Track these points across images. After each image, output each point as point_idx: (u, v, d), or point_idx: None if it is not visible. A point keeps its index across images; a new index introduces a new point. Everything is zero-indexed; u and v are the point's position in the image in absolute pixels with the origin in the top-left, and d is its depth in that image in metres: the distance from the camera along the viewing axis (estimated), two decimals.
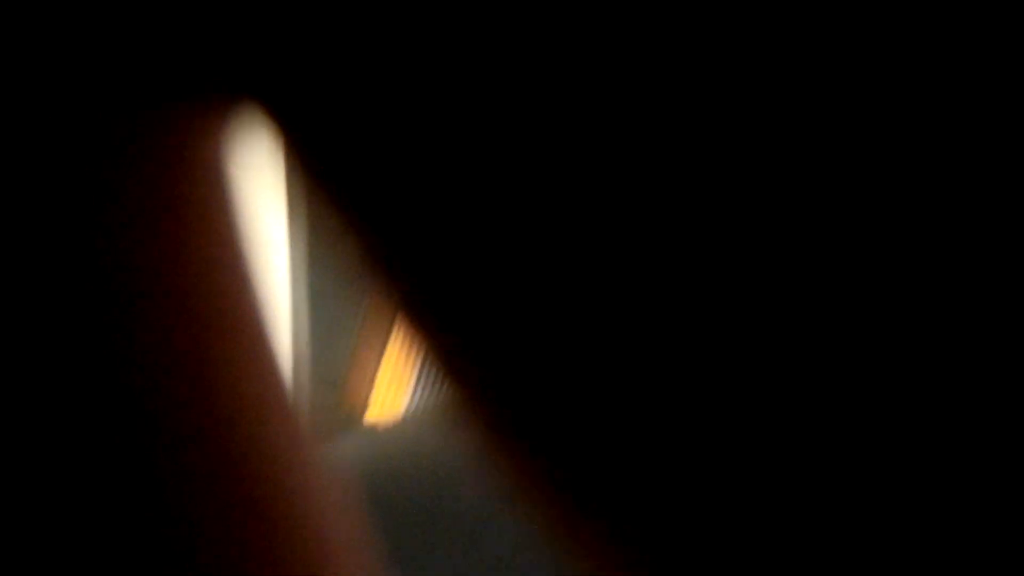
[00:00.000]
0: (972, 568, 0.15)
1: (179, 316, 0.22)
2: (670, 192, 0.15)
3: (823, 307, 0.15)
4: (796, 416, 0.15)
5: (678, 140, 0.15)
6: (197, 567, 0.22)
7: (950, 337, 0.14)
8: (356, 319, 2.08)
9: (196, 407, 0.22)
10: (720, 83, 0.15)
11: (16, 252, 0.21)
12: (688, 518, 0.17)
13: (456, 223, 0.17)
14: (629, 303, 0.16)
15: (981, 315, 0.14)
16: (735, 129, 0.15)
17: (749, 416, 0.16)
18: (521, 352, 0.17)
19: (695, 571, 0.17)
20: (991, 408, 0.14)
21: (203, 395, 0.22)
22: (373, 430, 2.06)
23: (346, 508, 0.24)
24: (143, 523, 0.22)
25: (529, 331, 0.17)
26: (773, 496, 0.16)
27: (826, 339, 0.15)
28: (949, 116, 0.14)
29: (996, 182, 0.14)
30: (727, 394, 0.16)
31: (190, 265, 0.23)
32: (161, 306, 0.22)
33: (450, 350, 0.20)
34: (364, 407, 2.11)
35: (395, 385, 2.21)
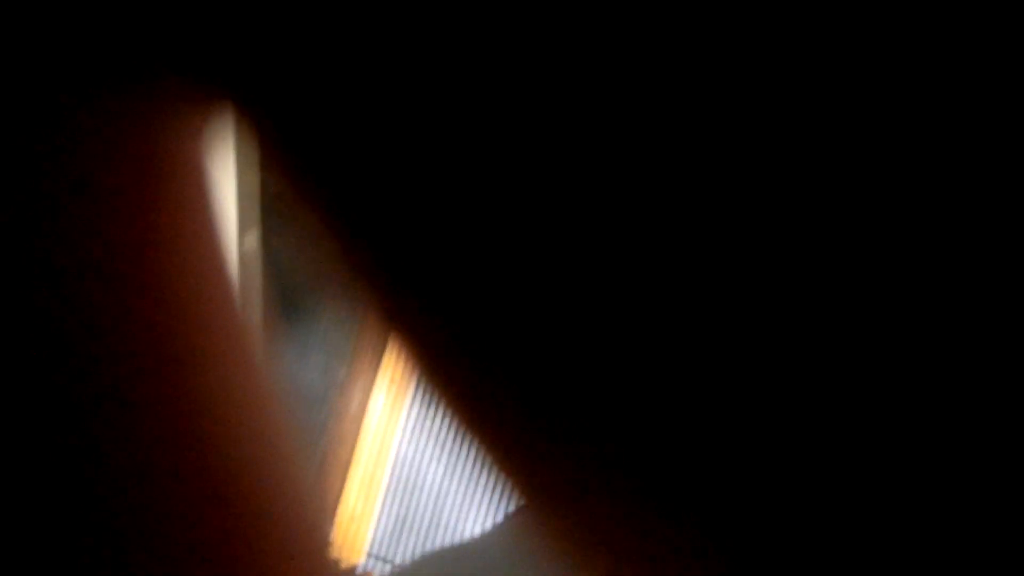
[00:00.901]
0: (972, 568, 0.15)
1: (153, 313, 0.22)
2: (665, 193, 0.15)
3: (823, 306, 0.15)
4: (797, 419, 0.15)
5: (666, 139, 0.15)
6: (159, 557, 0.21)
7: (950, 337, 0.14)
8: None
9: (169, 403, 0.22)
10: (720, 83, 0.15)
11: None
12: (701, 540, 0.17)
13: (446, 229, 0.17)
14: (633, 320, 0.16)
15: (981, 315, 0.14)
16: (735, 129, 0.15)
17: (754, 424, 0.16)
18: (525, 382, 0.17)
19: None
20: (991, 408, 0.14)
21: (177, 391, 0.22)
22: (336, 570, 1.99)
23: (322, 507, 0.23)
24: (117, 520, 0.21)
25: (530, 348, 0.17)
26: (776, 502, 0.16)
27: (826, 337, 0.15)
28: (949, 116, 0.14)
29: (996, 182, 0.14)
30: (732, 408, 0.16)
31: (165, 263, 0.22)
32: (135, 303, 0.22)
33: (446, 375, 0.19)
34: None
35: (359, 517, 2.14)
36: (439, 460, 2.21)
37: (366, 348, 2.17)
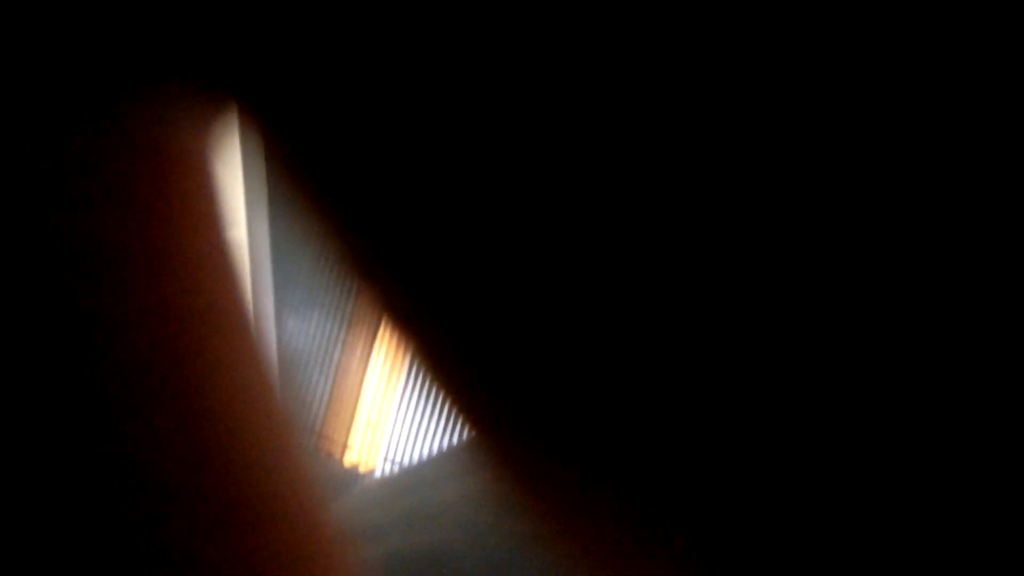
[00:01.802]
0: (972, 568, 0.15)
1: (159, 310, 0.22)
2: (663, 192, 0.15)
3: (824, 304, 0.15)
4: (798, 421, 0.15)
5: (661, 139, 0.15)
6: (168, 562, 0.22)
7: (950, 337, 0.14)
8: (334, 342, 2.12)
9: (175, 402, 0.22)
10: (720, 83, 0.15)
11: None
12: (702, 546, 0.17)
13: (445, 223, 0.17)
14: (632, 318, 0.16)
15: (981, 315, 0.14)
16: (735, 129, 0.15)
17: (758, 432, 0.15)
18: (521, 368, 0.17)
19: None
20: (991, 408, 0.14)
21: (183, 389, 0.22)
22: (353, 475, 2.17)
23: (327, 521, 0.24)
24: (121, 522, 0.21)
25: (527, 342, 0.17)
26: (780, 507, 0.16)
27: (827, 336, 0.15)
28: (949, 116, 0.14)
29: (996, 182, 0.14)
30: (728, 410, 0.16)
31: (171, 260, 0.22)
32: (140, 300, 0.22)
33: (443, 360, 0.19)
34: (343, 450, 2.19)
35: (375, 423, 2.19)
36: None
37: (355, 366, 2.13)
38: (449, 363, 0.19)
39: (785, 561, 0.16)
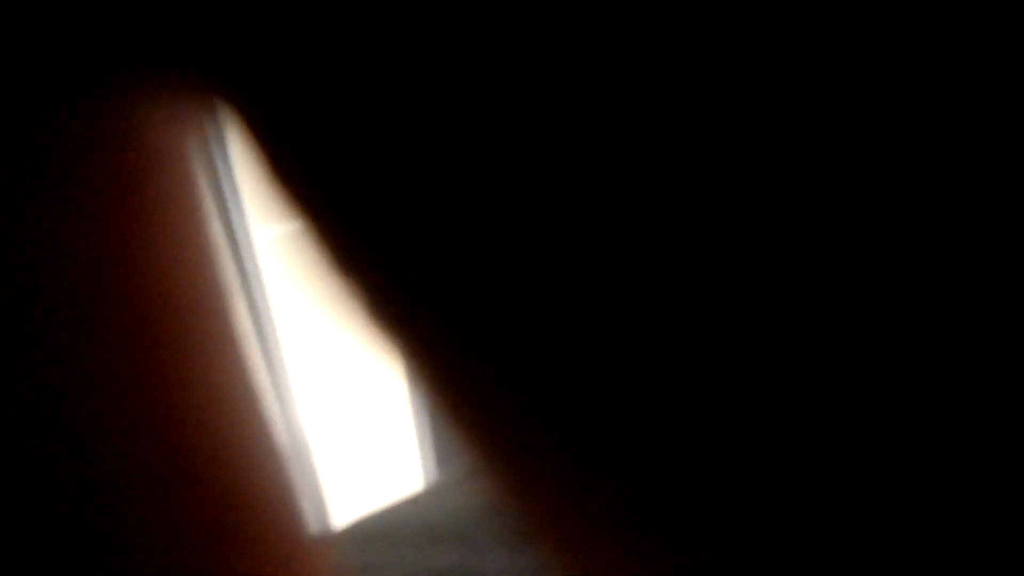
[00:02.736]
0: (972, 568, 0.15)
1: (141, 313, 0.21)
2: (657, 188, 0.15)
3: (818, 306, 0.15)
4: (799, 425, 0.15)
5: (663, 137, 0.15)
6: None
7: (950, 337, 0.14)
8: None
9: (157, 404, 0.21)
10: (720, 83, 0.15)
11: None
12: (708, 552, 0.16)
13: (442, 226, 0.17)
14: (630, 321, 0.16)
15: (981, 315, 0.14)
16: (735, 128, 0.15)
17: (759, 433, 0.15)
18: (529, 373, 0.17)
19: None
20: (991, 408, 0.14)
21: (165, 393, 0.21)
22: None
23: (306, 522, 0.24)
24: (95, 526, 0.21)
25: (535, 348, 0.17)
26: (784, 508, 0.16)
27: (830, 335, 0.15)
28: (949, 116, 0.14)
29: (996, 182, 0.14)
30: (731, 409, 0.16)
31: (154, 261, 0.22)
32: (122, 302, 0.21)
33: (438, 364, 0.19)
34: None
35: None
36: None
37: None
38: (447, 369, 0.19)
39: (786, 562, 0.16)
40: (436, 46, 0.16)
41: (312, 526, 0.24)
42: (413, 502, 0.64)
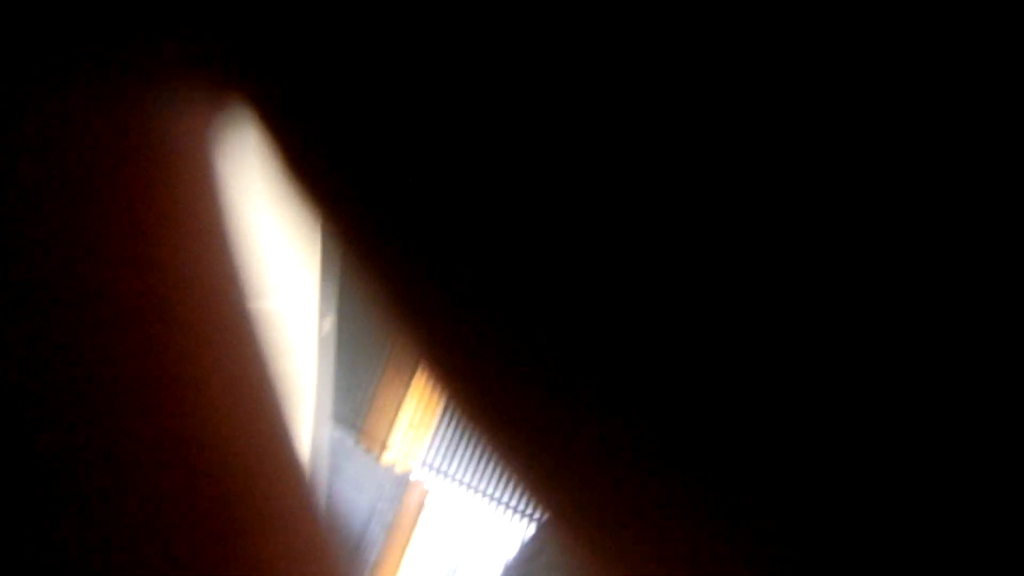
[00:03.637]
0: (972, 568, 0.14)
1: (160, 315, 0.21)
2: (658, 183, 0.15)
3: (825, 301, 0.15)
4: (800, 422, 0.15)
5: (671, 137, 0.15)
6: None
7: (950, 337, 0.14)
8: (380, 348, 2.11)
9: (175, 409, 0.21)
10: (720, 83, 0.15)
11: None
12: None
13: (454, 223, 0.17)
14: (649, 318, 0.16)
15: (981, 315, 0.14)
16: (735, 128, 0.15)
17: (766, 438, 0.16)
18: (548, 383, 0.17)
19: None
20: (991, 408, 0.14)
21: (184, 396, 0.21)
22: (390, 470, 2.16)
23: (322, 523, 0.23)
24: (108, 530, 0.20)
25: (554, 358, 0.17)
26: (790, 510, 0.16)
27: (833, 333, 0.15)
28: (949, 116, 0.14)
29: (996, 182, 0.14)
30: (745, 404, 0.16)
31: (174, 264, 0.22)
32: (141, 304, 0.21)
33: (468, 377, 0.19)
34: (383, 446, 2.18)
35: (417, 427, 2.18)
36: None
37: (400, 369, 2.11)
38: (466, 365, 0.19)
39: (786, 562, 0.16)
40: (457, 45, 0.16)
41: (324, 522, 0.23)
42: None
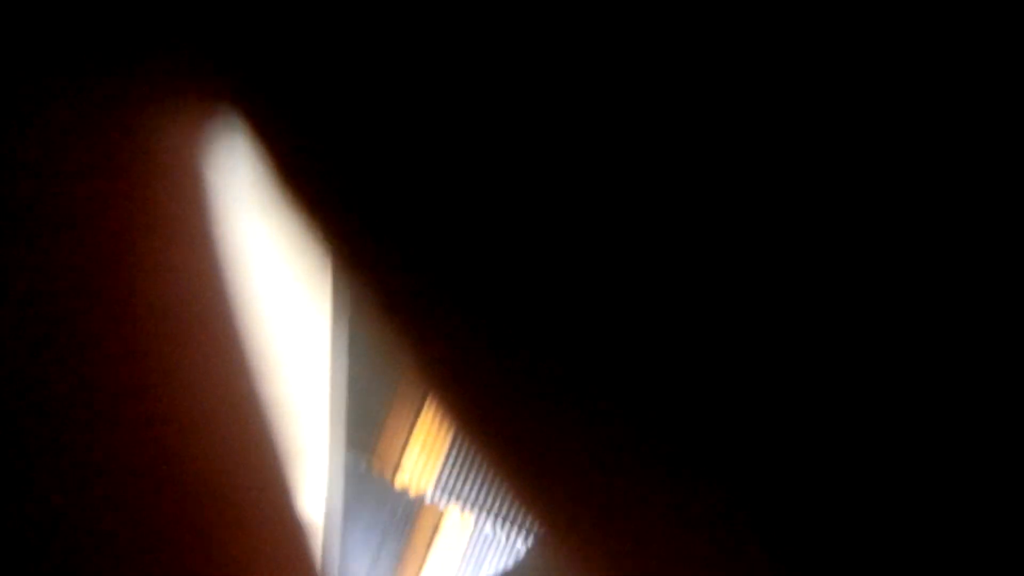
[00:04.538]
0: (972, 568, 0.15)
1: (149, 327, 0.21)
2: (659, 182, 0.15)
3: (826, 300, 0.15)
4: (798, 431, 0.15)
5: (666, 137, 0.15)
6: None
7: (950, 337, 0.14)
8: (389, 371, 2.12)
9: (164, 422, 0.21)
10: (720, 83, 0.15)
11: None
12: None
13: (450, 228, 0.17)
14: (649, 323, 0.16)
15: (981, 315, 0.14)
16: (736, 128, 0.15)
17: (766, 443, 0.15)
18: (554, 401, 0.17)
19: None
20: (991, 408, 0.14)
21: (173, 408, 0.21)
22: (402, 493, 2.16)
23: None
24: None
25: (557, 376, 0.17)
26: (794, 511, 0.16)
27: (836, 332, 0.15)
28: (949, 116, 0.14)
29: (996, 182, 0.14)
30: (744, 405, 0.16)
31: (165, 276, 0.21)
32: (130, 315, 0.21)
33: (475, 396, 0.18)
34: (394, 470, 2.17)
35: (428, 450, 2.17)
36: None
37: (409, 395, 2.12)
38: (468, 379, 0.18)
39: (786, 561, 0.16)
40: (458, 53, 0.16)
41: (303, 521, 0.23)
42: None
